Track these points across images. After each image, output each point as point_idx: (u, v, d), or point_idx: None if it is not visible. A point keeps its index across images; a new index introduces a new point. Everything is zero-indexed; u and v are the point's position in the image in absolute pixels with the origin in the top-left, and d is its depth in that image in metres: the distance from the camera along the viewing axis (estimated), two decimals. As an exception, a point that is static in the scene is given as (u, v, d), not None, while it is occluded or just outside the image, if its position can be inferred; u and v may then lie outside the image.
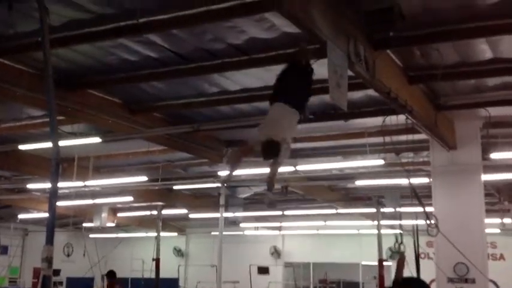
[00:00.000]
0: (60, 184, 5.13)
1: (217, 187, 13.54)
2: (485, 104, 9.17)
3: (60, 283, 21.13)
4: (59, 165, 5.11)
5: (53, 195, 5.11)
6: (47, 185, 13.85)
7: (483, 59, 7.51)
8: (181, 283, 22.94)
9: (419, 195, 9.23)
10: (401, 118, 8.44)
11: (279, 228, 23.99)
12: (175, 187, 16.16)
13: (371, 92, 8.02)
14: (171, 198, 16.96)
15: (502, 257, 20.27)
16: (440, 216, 9.34)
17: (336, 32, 5.62)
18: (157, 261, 6.60)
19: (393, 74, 7.35)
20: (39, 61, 7.21)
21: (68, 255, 17.82)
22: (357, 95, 8.51)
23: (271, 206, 6.30)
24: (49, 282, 4.71)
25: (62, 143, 5.06)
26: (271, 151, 5.31)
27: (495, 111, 9.43)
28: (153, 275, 10.61)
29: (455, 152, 10.08)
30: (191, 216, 21.64)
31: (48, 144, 8.33)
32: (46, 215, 5.21)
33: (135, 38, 6.88)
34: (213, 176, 13.77)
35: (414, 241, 9.39)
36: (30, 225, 23.77)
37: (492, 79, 8.41)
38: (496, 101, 8.96)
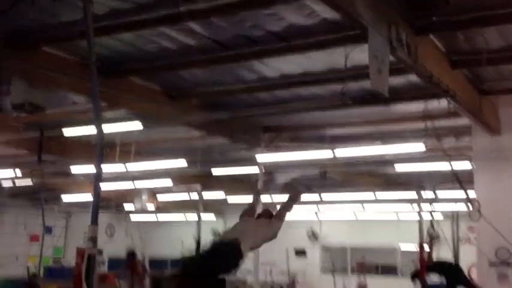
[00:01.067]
0: (103, 168, 5.27)
1: (256, 173, 13.60)
2: (530, 88, 8.96)
3: (103, 263, 21.74)
4: (103, 149, 5.25)
5: (97, 178, 5.25)
6: (90, 169, 14.24)
7: (529, 43, 7.31)
8: (220, 265, 23.26)
9: (461, 181, 9.13)
10: (443, 103, 8.32)
11: (317, 213, 24.00)
12: (214, 172, 16.32)
13: (412, 77, 7.91)
14: (210, 182, 17.13)
15: (545, 242, 19.85)
16: (482, 201, 9.26)
17: (377, 18, 5.55)
18: (198, 241, 6.76)
19: (435, 58, 7.22)
20: (83, 49, 7.38)
21: (111, 236, 18.28)
22: (398, 80, 8.40)
23: (308, 189, 6.56)
24: (94, 261, 4.85)
25: (104, 128, 5.17)
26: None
27: (540, 96, 9.20)
28: (192, 258, 10.80)
29: (498, 137, 9.89)
30: (229, 200, 21.84)
31: (92, 130, 8.53)
32: (89, 197, 5.37)
33: (175, 26, 6.95)
34: (251, 161, 13.84)
35: (453, 226, 9.33)
36: (73, 208, 24.44)
37: (537, 63, 8.18)
38: (542, 86, 8.74)
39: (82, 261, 4.70)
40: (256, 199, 6.52)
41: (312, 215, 24.20)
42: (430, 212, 8.95)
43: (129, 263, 13.81)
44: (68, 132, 11.38)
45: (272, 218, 5.83)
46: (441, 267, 8.68)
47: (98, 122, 5.21)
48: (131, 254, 13.86)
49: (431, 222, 9.32)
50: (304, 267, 22.21)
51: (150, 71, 8.69)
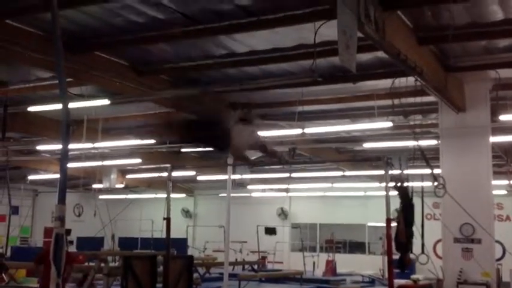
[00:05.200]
0: (69, 146, 5.18)
1: (225, 149, 13.59)
2: (496, 65, 9.11)
3: (71, 242, 21.54)
4: (69, 126, 5.15)
5: (64, 156, 5.15)
6: (57, 147, 14.00)
7: (494, 19, 7.41)
8: (189, 243, 23.34)
9: (427, 157, 9.27)
10: (410, 80, 8.40)
11: (286, 190, 24.20)
12: (183, 149, 16.24)
13: (380, 54, 7.96)
14: (179, 160, 17.06)
15: (508, 218, 20.43)
16: (448, 178, 9.42)
17: (346, -8, 5.54)
18: (168, 220, 6.71)
19: (403, 35, 7.27)
20: (48, 22, 7.19)
21: (79, 215, 18.07)
22: (366, 57, 8.45)
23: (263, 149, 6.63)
24: (62, 240, 4.79)
25: (71, 105, 5.07)
26: None
27: (505, 73, 9.36)
28: (162, 235, 10.79)
29: (464, 114, 10.06)
30: (199, 178, 21.82)
31: (58, 106, 8.37)
32: (56, 176, 5.29)
33: (142, -1, 6.83)
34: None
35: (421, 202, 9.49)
36: (40, 186, 24.08)
37: (503, 40, 8.32)
38: (506, 63, 8.89)
39: (50, 241, 4.63)
40: None
41: (282, 193, 24.39)
42: (395, 187, 9.04)
43: None
44: (33, 108, 11.16)
45: None
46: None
47: (63, 98, 5.11)
48: None
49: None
50: (274, 245, 22.42)
51: (117, 45, 8.53)
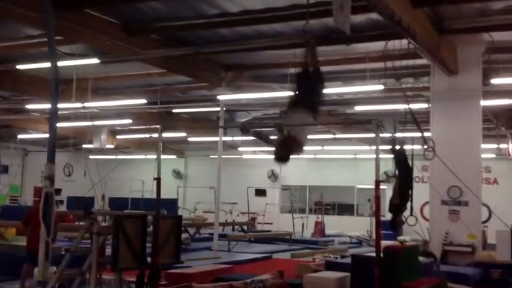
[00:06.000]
0: (59, 105, 5.14)
1: (217, 111, 13.53)
2: (489, 28, 9.07)
3: (61, 201, 21.60)
4: (58, 85, 5.10)
5: (53, 115, 5.13)
6: (46, 106, 13.88)
7: (490, -18, 7.35)
8: (180, 204, 23.50)
9: (418, 121, 9.30)
10: (403, 43, 8.36)
11: (277, 152, 24.21)
12: (174, 110, 16.18)
13: (374, 16, 7.89)
14: (170, 121, 17.01)
15: (495, 181, 20.68)
16: (437, 141, 9.48)
17: (341, -48, 5.46)
18: (158, 180, 6.72)
19: (397, -4, 7.20)
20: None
21: (69, 175, 18.10)
22: (360, 18, 8.37)
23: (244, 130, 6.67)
24: (51, 199, 4.81)
25: (60, 63, 5.00)
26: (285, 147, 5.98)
27: (498, 36, 9.33)
28: (152, 196, 10.78)
29: (456, 77, 10.06)
30: (190, 139, 21.80)
31: (47, 64, 8.28)
32: (45, 135, 5.27)
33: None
34: (212, 100, 13.76)
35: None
36: (29, 146, 23.99)
37: (497, 2, 8.27)
38: (500, 25, 8.85)
39: (40, 199, 4.64)
40: None
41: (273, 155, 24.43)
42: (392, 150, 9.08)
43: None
44: (22, 66, 11.03)
45: None
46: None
47: (52, 56, 5.05)
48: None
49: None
50: (264, 207, 22.62)
51: (108, 3, 8.40)
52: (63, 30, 8.45)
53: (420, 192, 11.25)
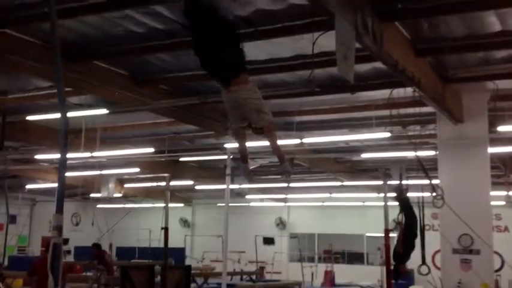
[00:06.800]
0: (68, 155, 5.18)
1: (223, 159, 13.58)
2: (493, 76, 9.14)
3: (69, 252, 21.46)
4: (67, 136, 5.15)
5: (62, 165, 5.14)
6: (55, 156, 13.99)
7: (491, 31, 7.44)
8: (187, 252, 23.27)
9: (426, 168, 9.27)
10: (408, 91, 8.42)
11: (285, 200, 24.15)
12: (181, 159, 16.23)
13: (378, 65, 7.98)
14: (177, 169, 17.06)
15: (506, 229, 20.39)
16: (446, 189, 9.42)
17: (344, 4, 5.58)
18: (166, 230, 6.69)
19: (401, 46, 7.30)
20: (46, 32, 7.22)
21: (76, 224, 18.03)
22: (364, 67, 8.47)
23: (287, 174, 6.19)
24: (59, 250, 4.77)
25: (69, 114, 5.07)
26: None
27: (503, 84, 9.39)
28: (159, 245, 10.74)
29: (462, 125, 10.07)
30: (197, 187, 21.78)
31: (56, 115, 8.39)
32: (54, 185, 5.28)
33: (142, 9, 6.86)
34: (219, 148, 13.82)
35: (419, 213, 9.46)
36: (38, 195, 24.02)
37: (500, 52, 8.35)
38: (504, 74, 8.92)
39: (47, 250, 4.62)
40: None
41: (280, 203, 24.34)
42: (396, 198, 9.03)
43: (97, 254, 13.81)
44: (32, 117, 11.17)
45: None
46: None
47: (62, 107, 5.11)
48: (97, 246, 13.98)
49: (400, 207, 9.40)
50: (272, 255, 22.34)
51: (116, 55, 8.56)
52: (72, 81, 8.60)
53: (431, 241, 11.12)
